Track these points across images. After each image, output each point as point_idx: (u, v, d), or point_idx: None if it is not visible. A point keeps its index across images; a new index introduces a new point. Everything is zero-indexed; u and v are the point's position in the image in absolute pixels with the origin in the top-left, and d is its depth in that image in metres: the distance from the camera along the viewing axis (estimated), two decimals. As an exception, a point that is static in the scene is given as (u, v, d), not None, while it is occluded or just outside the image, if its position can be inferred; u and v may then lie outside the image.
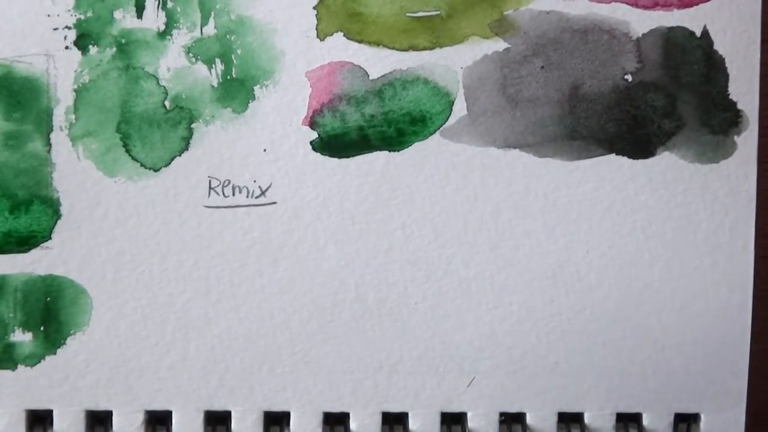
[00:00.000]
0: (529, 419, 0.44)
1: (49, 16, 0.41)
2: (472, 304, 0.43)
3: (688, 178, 0.43)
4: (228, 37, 0.42)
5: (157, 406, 0.44)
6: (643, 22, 0.43)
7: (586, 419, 0.44)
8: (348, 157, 0.43)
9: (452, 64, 0.43)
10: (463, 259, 0.43)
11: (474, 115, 0.43)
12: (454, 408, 0.44)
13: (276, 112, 0.42)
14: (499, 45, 0.43)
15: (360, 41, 0.43)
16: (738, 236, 0.43)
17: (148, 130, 0.42)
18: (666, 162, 0.43)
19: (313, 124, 0.43)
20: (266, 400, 0.44)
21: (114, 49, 0.42)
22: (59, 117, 0.42)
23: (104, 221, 0.42)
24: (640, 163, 0.43)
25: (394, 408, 0.44)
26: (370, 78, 0.43)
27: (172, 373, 0.43)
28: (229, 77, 0.42)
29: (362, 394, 0.44)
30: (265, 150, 0.43)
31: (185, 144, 0.42)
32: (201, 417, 0.44)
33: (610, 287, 0.44)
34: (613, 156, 0.43)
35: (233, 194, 0.43)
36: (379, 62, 0.43)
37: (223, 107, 0.42)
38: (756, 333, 0.44)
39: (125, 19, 0.42)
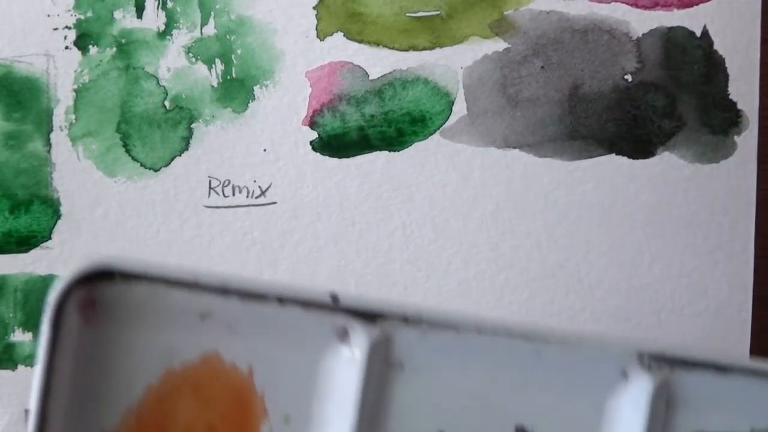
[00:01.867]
0: (529, 419, 0.44)
1: (49, 16, 0.41)
2: (472, 304, 0.43)
3: (688, 178, 0.43)
4: (228, 37, 0.42)
5: (157, 406, 0.44)
6: (643, 22, 0.43)
7: (586, 419, 0.44)
8: (348, 157, 0.43)
9: (452, 64, 0.43)
10: (463, 259, 0.43)
11: (474, 115, 0.43)
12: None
13: (276, 112, 0.42)
14: (499, 45, 0.43)
15: (360, 41, 0.43)
16: (738, 236, 0.43)
17: (148, 130, 0.42)
18: (666, 162, 0.43)
19: (313, 124, 0.43)
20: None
21: (114, 49, 0.42)
22: (59, 117, 0.42)
23: (104, 221, 0.42)
24: (640, 163, 0.43)
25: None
26: (370, 78, 0.43)
27: (172, 373, 0.43)
28: (229, 77, 0.42)
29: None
30: (265, 150, 0.43)
31: (185, 144, 0.42)
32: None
33: (610, 287, 0.43)
34: (613, 156, 0.43)
35: (233, 194, 0.43)
36: (379, 62, 0.43)
37: (223, 107, 0.42)
38: (756, 333, 0.44)
39: (125, 19, 0.42)
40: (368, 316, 0.32)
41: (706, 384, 0.35)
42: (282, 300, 0.32)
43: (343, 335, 0.33)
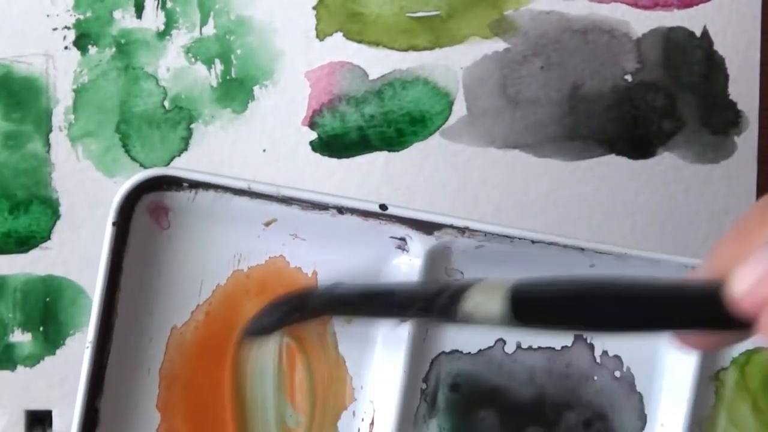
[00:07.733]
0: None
1: (48, 16, 0.41)
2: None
3: (688, 178, 0.43)
4: (227, 37, 0.42)
5: (157, 406, 0.44)
6: (643, 22, 0.43)
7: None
8: (348, 157, 0.43)
9: (452, 64, 0.43)
10: (463, 259, 0.43)
11: (474, 115, 0.43)
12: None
13: (275, 112, 0.42)
14: (499, 45, 0.43)
15: (359, 41, 0.43)
16: (738, 236, 0.43)
17: (147, 131, 0.42)
18: (666, 162, 0.43)
19: (312, 125, 0.43)
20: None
21: (113, 49, 0.42)
22: (59, 117, 0.42)
23: (104, 221, 0.42)
24: (640, 163, 0.43)
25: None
26: (370, 78, 0.43)
27: (172, 373, 0.43)
28: (228, 77, 0.42)
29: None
30: (264, 150, 0.42)
31: (184, 144, 0.42)
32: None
33: (610, 287, 0.43)
34: (613, 156, 0.43)
35: (233, 194, 0.43)
36: (379, 62, 0.43)
37: (222, 107, 0.42)
38: (756, 333, 0.44)
39: (124, 19, 0.42)
40: (426, 227, 0.34)
41: None
42: (341, 210, 0.33)
43: (402, 244, 0.34)
